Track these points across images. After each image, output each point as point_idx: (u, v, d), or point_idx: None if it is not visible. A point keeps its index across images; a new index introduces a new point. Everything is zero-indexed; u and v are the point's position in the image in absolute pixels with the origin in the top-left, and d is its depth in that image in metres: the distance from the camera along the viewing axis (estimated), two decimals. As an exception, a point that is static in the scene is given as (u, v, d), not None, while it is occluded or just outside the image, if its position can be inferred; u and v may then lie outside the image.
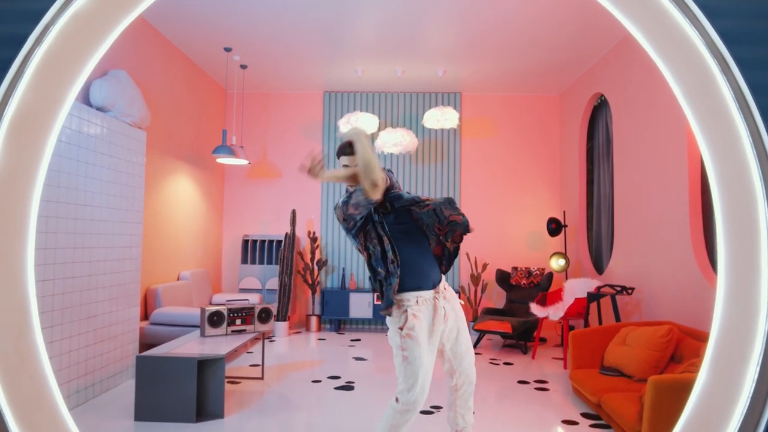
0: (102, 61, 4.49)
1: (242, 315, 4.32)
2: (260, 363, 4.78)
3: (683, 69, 2.01)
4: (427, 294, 2.53)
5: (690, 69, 1.98)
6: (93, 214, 3.95)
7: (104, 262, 4.09)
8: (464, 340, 2.69)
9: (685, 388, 2.93)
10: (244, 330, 4.33)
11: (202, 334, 4.18)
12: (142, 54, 5.09)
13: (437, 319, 2.54)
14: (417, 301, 2.50)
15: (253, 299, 6.35)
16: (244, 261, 7.14)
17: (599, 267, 6.23)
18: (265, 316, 4.43)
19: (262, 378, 4.56)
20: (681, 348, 3.71)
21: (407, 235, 2.57)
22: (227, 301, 4.45)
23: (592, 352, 4.21)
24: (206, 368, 3.61)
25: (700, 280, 3.98)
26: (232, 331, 4.27)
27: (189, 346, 3.89)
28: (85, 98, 4.15)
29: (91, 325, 3.94)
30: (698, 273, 4.00)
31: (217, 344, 3.96)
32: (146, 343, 5.00)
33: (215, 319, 4.20)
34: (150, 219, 5.31)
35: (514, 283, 6.65)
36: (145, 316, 5.19)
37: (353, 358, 5.45)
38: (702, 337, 3.66)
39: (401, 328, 2.48)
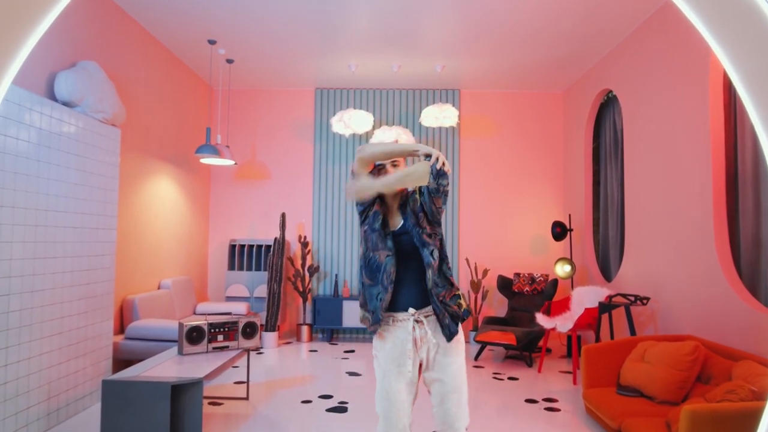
0: (70, 51, 4.14)
1: (225, 330, 3.93)
2: (245, 380, 4.39)
3: (746, 49, 1.66)
4: (402, 315, 2.27)
5: (756, 49, 1.63)
6: (57, 220, 3.56)
7: (71, 273, 3.70)
8: (450, 378, 2.23)
9: (726, 420, 2.59)
10: (227, 347, 3.94)
11: (180, 352, 3.79)
12: (116, 45, 4.69)
13: (409, 343, 2.23)
14: (390, 322, 2.29)
15: (240, 308, 5.97)
16: (231, 267, 6.75)
17: (607, 274, 5.89)
18: (250, 330, 4.05)
19: (247, 398, 4.18)
20: (708, 367, 3.37)
21: (405, 254, 2.28)
22: (208, 315, 4.06)
23: (607, 368, 3.87)
24: (182, 393, 3.22)
25: (726, 289, 3.64)
26: (214, 348, 3.88)
27: (164, 366, 3.51)
28: (49, 92, 3.76)
29: (56, 343, 3.54)
30: (724, 282, 3.66)
31: (196, 364, 3.57)
32: (122, 360, 4.61)
33: (194, 335, 3.82)
34: (127, 224, 4.92)
35: (516, 290, 6.30)
36: (122, 329, 4.80)
37: (347, 373, 5.07)
38: (732, 355, 3.33)
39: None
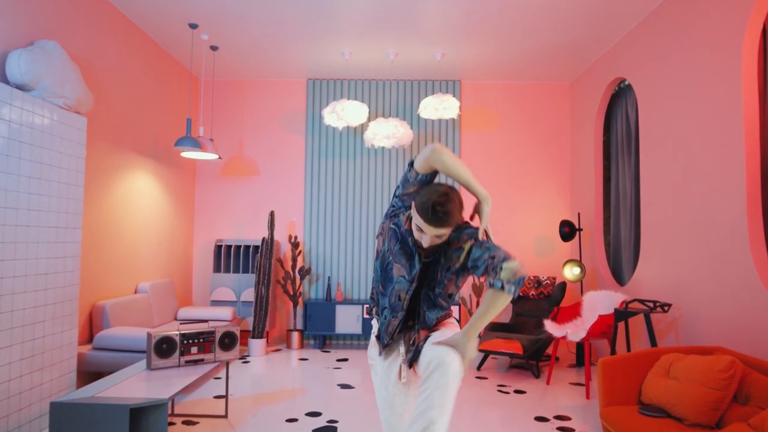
0: (28, 30, 3.66)
1: (199, 341, 3.52)
2: (228, 395, 3.97)
3: None
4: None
5: None
6: (7, 218, 3.14)
7: (25, 278, 3.28)
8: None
9: (785, 457, 2.20)
10: (202, 360, 3.53)
11: (149, 367, 3.38)
12: (83, 25, 4.27)
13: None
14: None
15: (226, 313, 5.55)
16: (217, 269, 6.33)
17: (619, 277, 5.48)
18: (228, 341, 3.63)
19: (225, 416, 3.76)
20: (746, 385, 2.96)
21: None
22: (181, 324, 3.65)
23: (626, 384, 3.46)
24: (144, 416, 2.81)
25: (763, 295, 3.24)
26: (186, 362, 3.47)
27: (128, 383, 3.10)
28: (1, 75, 3.34)
29: (6, 357, 3.12)
30: (760, 287, 3.26)
31: (165, 380, 3.16)
32: (90, 372, 4.20)
33: (164, 347, 3.40)
34: (98, 223, 4.50)
35: (521, 294, 5.89)
36: (91, 339, 4.38)
37: (338, 385, 4.65)
38: (774, 372, 2.93)
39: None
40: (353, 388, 4.57)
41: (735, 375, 2.94)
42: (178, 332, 3.45)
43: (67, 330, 3.72)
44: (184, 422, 3.63)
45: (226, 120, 6.60)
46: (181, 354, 3.44)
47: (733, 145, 3.48)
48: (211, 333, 3.56)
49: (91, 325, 4.39)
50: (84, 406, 2.69)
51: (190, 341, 3.48)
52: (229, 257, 6.36)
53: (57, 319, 3.61)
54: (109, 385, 3.06)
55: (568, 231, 5.74)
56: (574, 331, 4.49)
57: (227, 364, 3.73)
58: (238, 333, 3.66)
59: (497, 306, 1.82)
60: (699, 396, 2.97)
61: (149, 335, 3.37)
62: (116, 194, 4.81)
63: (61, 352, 3.67)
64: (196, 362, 3.49)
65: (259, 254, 5.87)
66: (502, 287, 1.79)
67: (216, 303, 6.22)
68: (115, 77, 4.72)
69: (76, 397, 2.80)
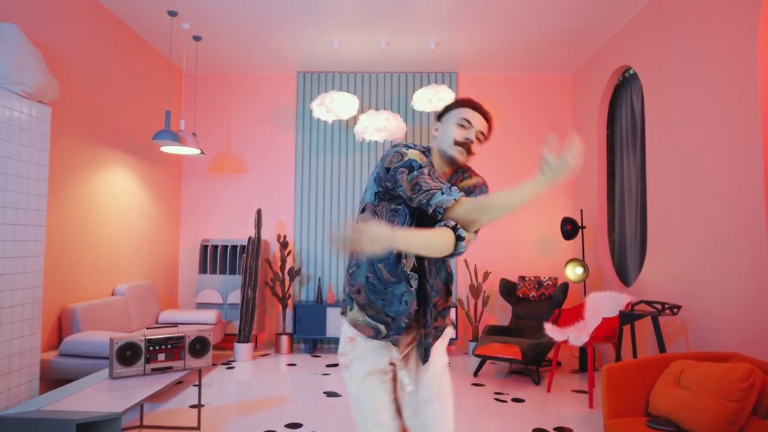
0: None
1: (167, 347, 3.24)
2: (201, 404, 3.70)
3: None
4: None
5: None
6: (-47, 213, 2.88)
7: (-24, 279, 3.02)
8: (433, 414, 1.80)
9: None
10: (170, 367, 3.25)
11: (111, 375, 3.11)
12: (49, 9, 4.00)
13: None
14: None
15: (210, 316, 5.29)
16: (203, 270, 6.05)
17: (624, 277, 5.17)
18: (200, 347, 3.36)
19: (198, 428, 3.48)
20: (766, 396, 2.66)
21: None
22: (147, 328, 3.37)
23: (633, 393, 3.16)
24: (96, 431, 2.53)
25: (782, 298, 2.94)
26: (153, 370, 3.19)
27: (84, 394, 2.83)
28: (-51, 57, 3.09)
29: (-48, 365, 2.87)
30: (779, 289, 2.96)
31: (126, 390, 2.89)
32: (56, 380, 3.93)
33: (128, 354, 3.13)
34: (69, 221, 4.24)
35: (521, 295, 5.59)
36: (60, 344, 4.11)
37: (324, 393, 4.37)
38: (798, 382, 2.63)
39: (342, 354, 1.86)
40: (340, 396, 4.29)
41: (754, 385, 2.64)
42: (143, 337, 3.18)
43: (28, 335, 3.45)
44: (152, 435, 3.36)
45: (213, 115, 6.34)
46: (147, 361, 3.17)
47: (749, 135, 3.18)
48: (180, 338, 3.29)
49: (60, 329, 4.13)
50: (26, 420, 2.42)
51: (157, 347, 3.21)
52: (216, 258, 6.09)
53: (16, 324, 3.34)
54: (63, 395, 2.79)
55: (570, 229, 5.44)
56: (577, 334, 4.19)
57: (200, 371, 3.46)
58: (210, 338, 3.38)
59: (440, 239, 1.59)
60: (714, 408, 2.68)
61: (112, 341, 3.10)
62: (89, 190, 4.55)
63: (21, 359, 3.40)
64: (163, 370, 3.22)
65: (245, 254, 5.60)
66: (455, 231, 1.64)
67: (202, 305, 5.95)
68: (85, 65, 4.46)
69: (19, 410, 2.53)
